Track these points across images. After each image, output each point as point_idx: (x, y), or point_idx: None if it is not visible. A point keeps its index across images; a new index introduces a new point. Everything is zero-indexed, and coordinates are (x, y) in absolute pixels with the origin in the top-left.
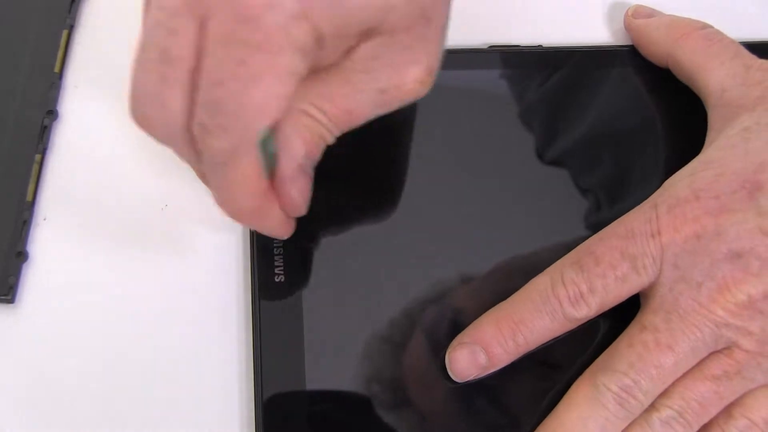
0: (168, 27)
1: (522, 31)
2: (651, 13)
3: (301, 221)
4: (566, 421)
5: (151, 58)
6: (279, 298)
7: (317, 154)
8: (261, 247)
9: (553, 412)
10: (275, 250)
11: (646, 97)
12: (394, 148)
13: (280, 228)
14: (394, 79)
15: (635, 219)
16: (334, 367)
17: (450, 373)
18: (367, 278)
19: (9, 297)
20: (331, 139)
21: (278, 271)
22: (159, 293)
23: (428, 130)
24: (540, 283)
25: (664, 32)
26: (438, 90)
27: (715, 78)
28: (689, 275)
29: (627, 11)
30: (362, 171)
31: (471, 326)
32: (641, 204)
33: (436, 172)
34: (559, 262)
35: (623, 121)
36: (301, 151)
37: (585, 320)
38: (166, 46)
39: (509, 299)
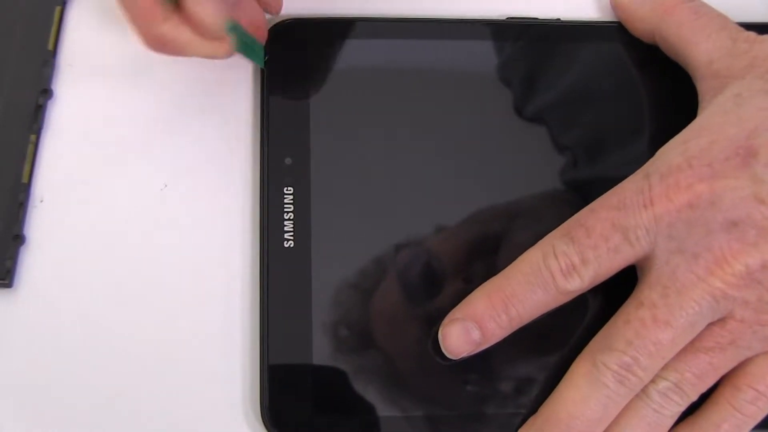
0: None
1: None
2: None
3: (311, 191)
4: (567, 401)
5: None
6: (288, 264)
7: None
8: (271, 212)
9: (554, 391)
10: (285, 215)
11: (651, 70)
12: (394, 116)
13: (202, 49)
14: None
15: (627, 189)
16: (341, 336)
17: (443, 349)
18: (377, 245)
19: (6, 281)
20: None
21: (288, 236)
22: (161, 272)
23: (433, 100)
24: (531, 256)
25: (649, 8)
26: (447, 57)
27: (702, 50)
28: (685, 246)
29: None
30: (366, 138)
31: (462, 302)
32: (633, 174)
33: (437, 144)
34: (549, 235)
35: (625, 92)
36: None
37: (578, 293)
38: None
39: (500, 273)
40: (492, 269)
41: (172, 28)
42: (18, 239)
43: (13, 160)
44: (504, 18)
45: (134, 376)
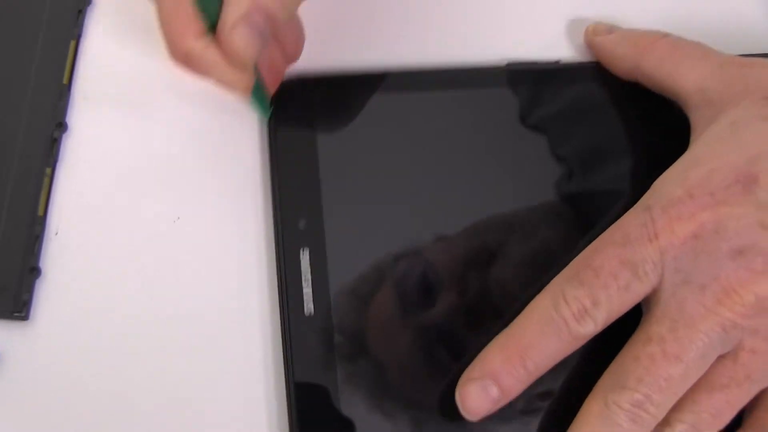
0: None
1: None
2: (610, 29)
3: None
4: None
5: None
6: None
7: (266, 12)
8: (289, 281)
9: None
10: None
11: (639, 106)
12: (404, 168)
13: (226, 76)
14: None
15: (629, 224)
16: (364, 359)
17: (462, 411)
18: (393, 268)
19: (23, 314)
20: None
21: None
22: (177, 303)
23: (441, 149)
24: (541, 303)
25: (627, 46)
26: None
27: (691, 80)
28: (691, 278)
29: (587, 29)
30: (378, 192)
31: (477, 359)
32: (633, 207)
33: (449, 194)
34: (556, 279)
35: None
36: (244, 4)
37: (592, 335)
38: None
39: (511, 324)
40: (504, 295)
41: (203, 47)
42: (34, 272)
43: (29, 192)
44: (504, 63)
45: (154, 408)
